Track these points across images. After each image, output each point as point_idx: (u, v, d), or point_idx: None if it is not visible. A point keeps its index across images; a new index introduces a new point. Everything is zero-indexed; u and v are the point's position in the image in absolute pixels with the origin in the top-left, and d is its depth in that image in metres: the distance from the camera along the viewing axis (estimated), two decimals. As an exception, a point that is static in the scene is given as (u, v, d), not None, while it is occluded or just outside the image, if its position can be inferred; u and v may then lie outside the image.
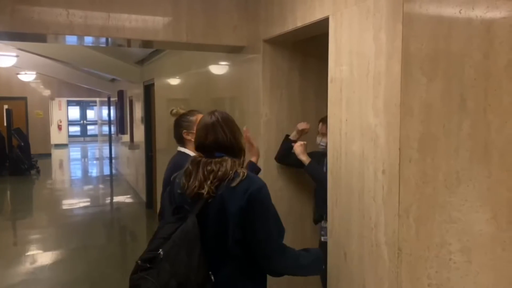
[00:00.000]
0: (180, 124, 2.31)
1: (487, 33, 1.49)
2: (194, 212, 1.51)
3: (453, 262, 1.55)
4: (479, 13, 1.49)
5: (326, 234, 2.18)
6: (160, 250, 1.48)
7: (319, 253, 1.68)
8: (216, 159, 1.56)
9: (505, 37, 1.48)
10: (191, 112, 2.39)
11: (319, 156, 2.64)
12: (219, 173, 1.52)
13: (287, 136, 2.74)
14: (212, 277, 1.50)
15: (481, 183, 1.53)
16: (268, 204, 1.55)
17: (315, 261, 1.64)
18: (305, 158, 2.57)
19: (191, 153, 2.34)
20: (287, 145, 2.69)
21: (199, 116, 2.35)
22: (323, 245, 2.14)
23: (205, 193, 1.51)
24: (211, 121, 1.61)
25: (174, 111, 2.36)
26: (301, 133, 2.69)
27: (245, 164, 1.71)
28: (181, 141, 2.32)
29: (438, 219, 1.54)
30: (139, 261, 1.48)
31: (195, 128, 2.28)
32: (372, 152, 1.67)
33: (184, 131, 2.30)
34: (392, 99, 1.54)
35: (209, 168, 1.55)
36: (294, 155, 2.64)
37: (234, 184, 1.50)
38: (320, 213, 2.55)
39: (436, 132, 1.51)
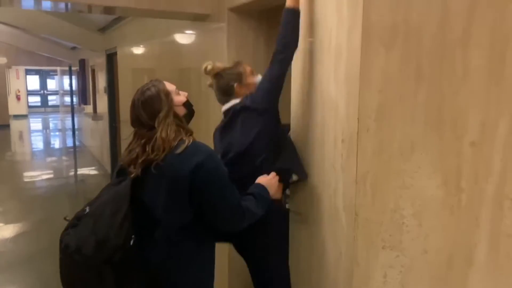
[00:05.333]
0: (229, 77, 2.05)
1: (443, 4, 1.54)
2: (130, 179, 1.50)
3: (406, 225, 1.64)
4: (436, -15, 1.53)
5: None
6: (88, 207, 1.49)
7: (262, 190, 1.71)
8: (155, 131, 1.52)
9: (460, 9, 1.54)
10: (236, 64, 2.14)
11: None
12: (157, 143, 1.48)
13: None
14: (132, 242, 1.44)
15: (433, 151, 1.61)
16: (218, 171, 1.54)
17: (262, 201, 1.68)
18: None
19: None
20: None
21: (245, 65, 2.13)
22: (287, 212, 2.21)
23: (133, 172, 1.50)
24: (135, 100, 1.58)
25: (210, 67, 2.08)
26: None
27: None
28: (231, 94, 2.05)
29: (393, 185, 1.61)
30: (67, 218, 1.51)
31: (248, 80, 2.08)
32: (333, 122, 1.71)
33: (236, 84, 2.04)
34: (352, 69, 1.58)
35: (145, 141, 1.52)
36: None
37: (178, 151, 1.49)
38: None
39: (393, 101, 1.57)
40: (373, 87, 1.55)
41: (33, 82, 20.37)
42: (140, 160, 1.50)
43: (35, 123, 17.16)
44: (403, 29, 1.54)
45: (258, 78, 2.09)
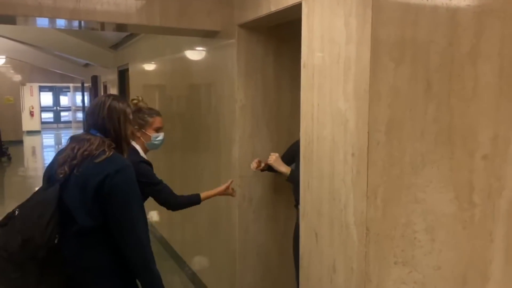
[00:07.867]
0: (135, 119, 2.21)
1: (451, 20, 1.54)
2: (58, 182, 1.62)
3: (418, 240, 1.62)
4: (444, 0, 1.54)
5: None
6: (17, 209, 1.63)
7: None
8: (86, 136, 1.68)
9: (468, 24, 1.54)
10: (151, 112, 2.36)
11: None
12: (85, 152, 1.62)
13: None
14: (56, 240, 1.58)
15: (445, 165, 1.60)
16: (126, 188, 1.61)
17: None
18: (284, 169, 2.53)
19: (140, 150, 2.30)
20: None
21: (157, 119, 2.37)
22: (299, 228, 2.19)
23: (61, 173, 1.63)
24: (99, 101, 1.73)
25: (135, 101, 2.31)
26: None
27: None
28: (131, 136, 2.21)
29: (404, 200, 1.60)
30: None
31: (149, 130, 2.33)
32: (342, 136, 1.71)
33: (136, 127, 2.24)
34: (361, 84, 1.58)
35: (75, 146, 1.66)
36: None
37: (97, 160, 1.61)
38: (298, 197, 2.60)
39: (402, 116, 1.56)
40: (383, 101, 1.55)
41: (47, 98, 20.71)
42: (68, 162, 1.64)
43: (48, 139, 17.37)
44: (412, 45, 1.55)
45: (157, 136, 2.33)
